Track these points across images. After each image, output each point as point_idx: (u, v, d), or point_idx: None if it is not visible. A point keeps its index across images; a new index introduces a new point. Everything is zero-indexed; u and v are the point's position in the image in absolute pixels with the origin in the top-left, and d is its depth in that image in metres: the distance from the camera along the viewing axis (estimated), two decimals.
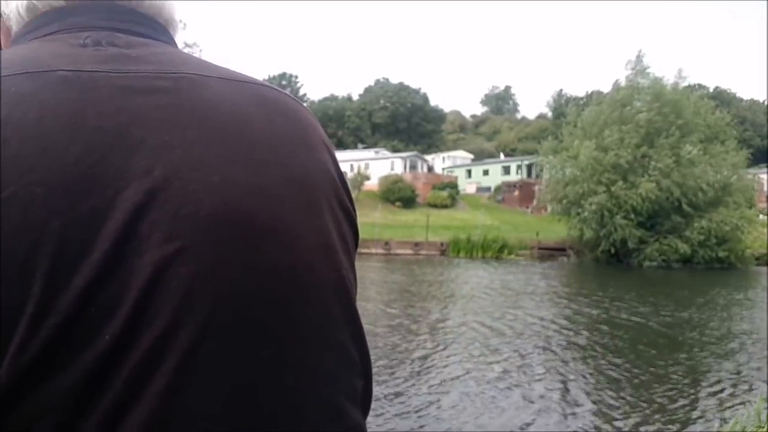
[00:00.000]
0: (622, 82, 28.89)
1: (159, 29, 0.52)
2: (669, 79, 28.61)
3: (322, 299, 0.47)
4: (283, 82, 79.56)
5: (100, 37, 0.47)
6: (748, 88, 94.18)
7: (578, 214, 25.75)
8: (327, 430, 0.45)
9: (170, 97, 0.45)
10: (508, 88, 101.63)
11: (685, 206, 24.81)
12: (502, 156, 59.47)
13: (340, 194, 0.52)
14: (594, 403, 6.15)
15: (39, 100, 0.41)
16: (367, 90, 77.03)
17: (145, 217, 0.41)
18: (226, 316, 0.42)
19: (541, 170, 38.72)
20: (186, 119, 0.45)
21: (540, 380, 6.91)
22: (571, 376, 7.08)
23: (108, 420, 0.37)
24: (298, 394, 0.44)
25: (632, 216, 24.59)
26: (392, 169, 46.89)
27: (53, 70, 0.42)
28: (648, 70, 28.26)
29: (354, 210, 0.55)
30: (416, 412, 5.71)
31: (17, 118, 0.39)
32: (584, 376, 7.13)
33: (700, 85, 55.40)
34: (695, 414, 5.92)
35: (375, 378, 5.57)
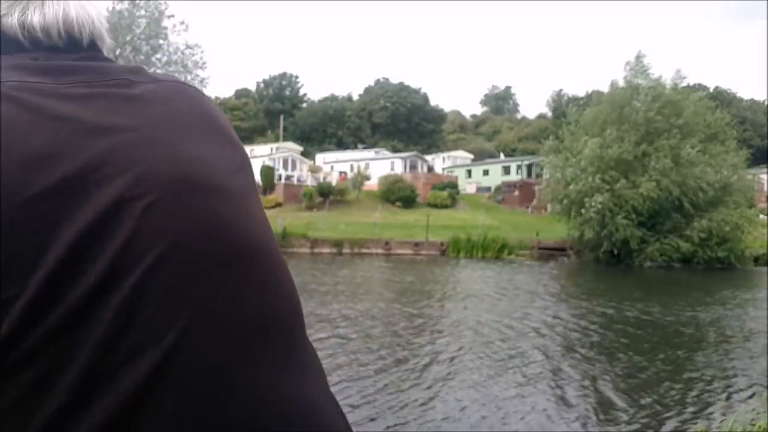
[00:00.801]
0: (621, 83, 28.88)
1: (87, 46, 0.59)
2: (667, 79, 28.63)
3: (256, 236, 0.56)
4: (284, 82, 79.55)
5: (40, 56, 0.55)
6: (748, 88, 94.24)
7: (579, 214, 25.72)
8: (256, 342, 0.51)
9: (108, 99, 0.53)
10: (508, 88, 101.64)
11: (686, 205, 24.83)
12: (502, 156, 59.44)
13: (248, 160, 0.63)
14: (594, 402, 6.16)
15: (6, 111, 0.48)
16: (367, 90, 77.04)
17: (112, 181, 0.48)
18: (185, 250, 0.49)
19: (541, 170, 38.72)
20: (126, 111, 0.53)
21: (540, 380, 6.91)
22: (572, 376, 7.09)
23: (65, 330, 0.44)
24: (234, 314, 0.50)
25: (633, 216, 24.59)
26: (392, 169, 46.89)
27: (2, 82, 0.50)
28: (648, 71, 28.28)
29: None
30: (416, 411, 5.71)
31: None
32: (585, 376, 7.13)
33: (700, 85, 55.40)
34: (696, 412, 5.93)
35: (375, 377, 5.58)
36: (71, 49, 0.57)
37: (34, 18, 0.55)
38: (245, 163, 0.61)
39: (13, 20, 0.55)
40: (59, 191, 0.46)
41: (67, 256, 0.45)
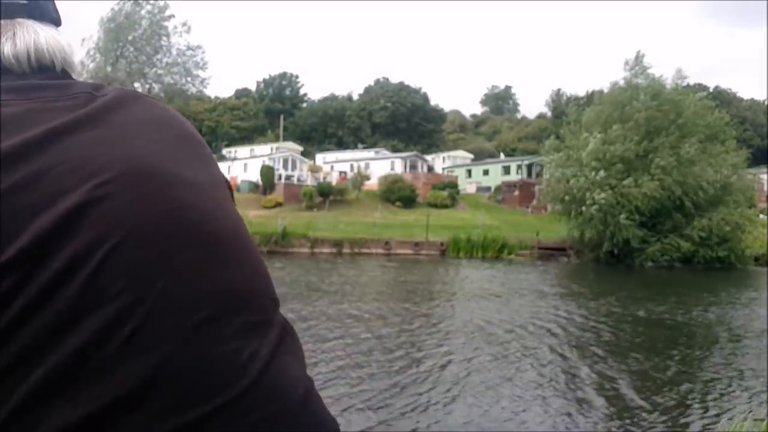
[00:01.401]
0: (621, 83, 28.89)
1: (59, 72, 0.64)
2: (668, 79, 28.66)
3: (220, 219, 0.58)
4: (284, 82, 79.57)
5: (8, 77, 0.59)
6: (748, 88, 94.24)
7: (580, 213, 25.72)
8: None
9: (70, 110, 0.57)
10: (508, 88, 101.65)
11: (686, 204, 24.85)
12: (502, 156, 59.47)
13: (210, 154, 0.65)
14: (603, 401, 6.16)
15: None
16: (367, 90, 77.07)
17: (71, 176, 0.51)
18: (144, 234, 0.52)
19: (541, 169, 38.69)
20: (85, 118, 0.56)
21: (546, 380, 6.91)
22: (578, 375, 7.09)
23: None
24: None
25: (635, 216, 24.58)
26: (392, 169, 46.90)
27: None
28: (648, 71, 28.30)
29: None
30: (417, 410, 5.72)
31: None
32: (592, 376, 7.13)
33: (700, 85, 55.43)
34: (696, 413, 5.93)
35: (376, 377, 5.56)
36: (40, 73, 0.61)
37: (6, 48, 0.59)
38: (207, 160, 0.63)
39: None
40: (20, 188, 0.49)
41: (22, 256, 0.47)
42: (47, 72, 0.62)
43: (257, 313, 0.55)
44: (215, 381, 0.49)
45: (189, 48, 30.25)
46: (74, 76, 0.67)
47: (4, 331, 0.45)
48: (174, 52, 30.18)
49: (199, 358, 0.49)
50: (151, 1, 29.28)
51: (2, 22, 0.61)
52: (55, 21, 0.68)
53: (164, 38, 29.55)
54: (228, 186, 0.67)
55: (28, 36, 0.61)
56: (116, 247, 0.50)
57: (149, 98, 0.66)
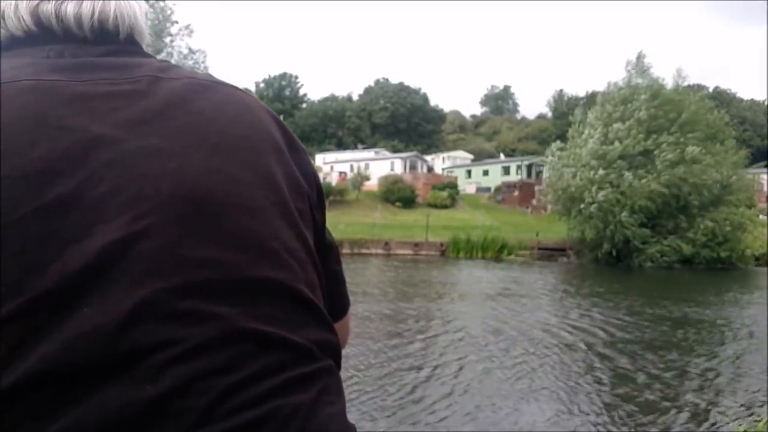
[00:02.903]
0: (619, 83, 28.94)
1: (123, 40, 0.58)
2: (667, 79, 28.73)
3: (288, 253, 0.53)
4: (283, 82, 79.57)
5: (64, 49, 0.53)
6: (748, 88, 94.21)
7: (579, 212, 25.73)
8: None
9: (126, 99, 0.51)
10: (507, 88, 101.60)
11: (688, 204, 24.86)
12: (502, 156, 59.45)
13: (289, 166, 0.58)
14: (594, 402, 6.15)
15: (5, 105, 0.47)
16: (367, 90, 77.06)
17: (109, 201, 0.46)
18: (190, 279, 0.48)
19: (541, 168, 38.68)
20: (141, 117, 0.51)
21: (541, 380, 6.90)
22: (572, 376, 7.07)
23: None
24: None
25: (637, 215, 24.55)
26: (392, 169, 46.88)
27: (16, 80, 0.49)
28: (649, 71, 28.34)
29: (304, 179, 0.60)
30: (417, 410, 5.70)
31: None
32: (585, 375, 7.12)
33: (700, 85, 55.43)
34: (696, 414, 5.91)
35: (376, 377, 5.55)
36: (101, 41, 0.56)
37: (69, 8, 0.54)
38: (285, 172, 0.57)
39: (48, 7, 0.54)
40: (52, 212, 0.45)
41: (57, 288, 0.44)
42: (109, 41, 0.57)
43: (301, 363, 0.52)
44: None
45: (191, 51, 30.28)
46: (143, 46, 0.61)
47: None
48: (176, 55, 30.22)
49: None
50: (152, 2, 29.28)
51: None
52: None
53: (166, 39, 29.56)
54: (317, 192, 0.62)
55: None
56: (149, 299, 0.46)
57: (226, 88, 0.60)
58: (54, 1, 0.54)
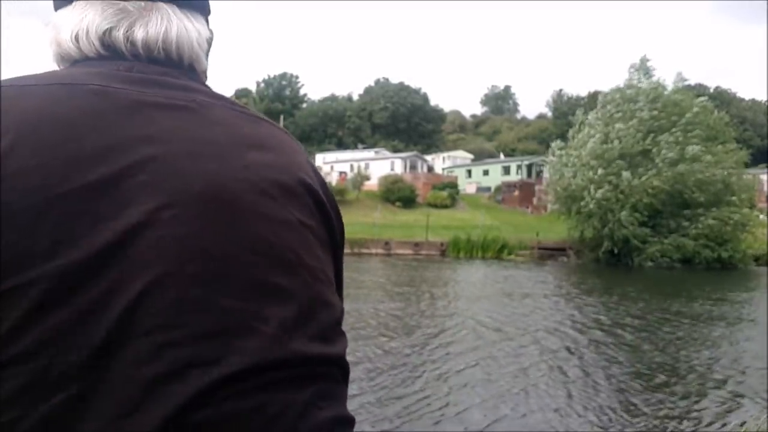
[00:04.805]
0: (621, 85, 29.00)
1: (186, 68, 0.65)
2: (668, 81, 28.83)
3: (283, 264, 0.57)
4: (284, 82, 79.56)
5: (133, 65, 0.60)
6: (749, 88, 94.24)
7: (579, 211, 25.74)
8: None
9: (179, 113, 0.58)
10: (508, 88, 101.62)
11: (688, 202, 24.87)
12: (502, 156, 59.46)
13: (317, 197, 0.64)
14: (594, 402, 6.14)
15: (70, 102, 0.54)
16: (368, 90, 77.05)
17: (143, 190, 0.52)
18: (204, 268, 0.52)
19: (541, 168, 38.68)
20: (188, 127, 0.57)
21: (541, 380, 6.89)
22: (572, 375, 7.07)
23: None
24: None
25: (637, 214, 24.55)
26: (392, 169, 46.87)
27: (85, 84, 0.56)
28: (651, 73, 28.39)
29: (331, 210, 0.67)
30: (418, 409, 5.70)
31: (51, 111, 0.53)
32: (586, 375, 7.11)
33: (700, 86, 55.42)
34: (695, 414, 5.91)
35: (377, 380, 5.53)
36: (164, 63, 0.63)
37: (138, 34, 0.61)
38: (311, 197, 0.62)
39: (119, 33, 0.61)
40: (92, 192, 0.50)
41: (84, 261, 0.49)
42: (171, 64, 0.63)
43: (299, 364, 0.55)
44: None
45: None
46: (201, 71, 0.68)
47: (44, 336, 0.47)
48: None
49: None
50: None
51: (144, 4, 0.62)
52: (202, 8, 0.69)
53: None
54: (340, 228, 0.68)
55: (161, 24, 0.63)
56: (161, 280, 0.50)
57: (272, 125, 0.67)
58: (124, 29, 0.61)
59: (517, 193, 42.52)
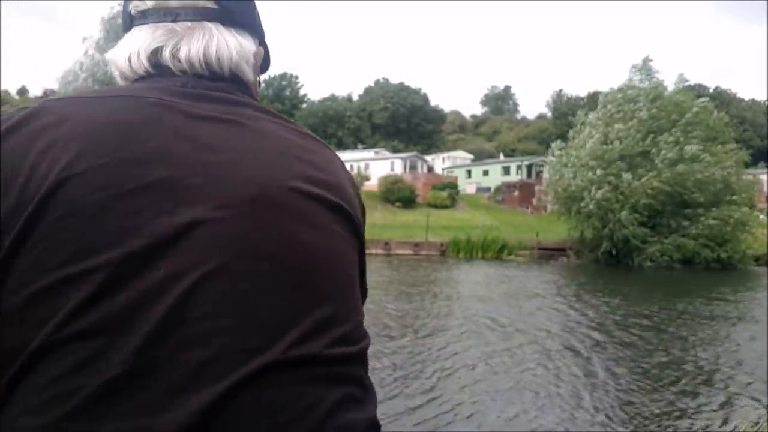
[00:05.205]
0: (623, 86, 28.96)
1: (228, 78, 0.71)
2: (668, 82, 28.87)
3: (325, 265, 0.63)
4: (284, 83, 79.52)
5: (190, 82, 0.67)
6: (749, 88, 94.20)
7: (579, 211, 25.71)
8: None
9: (229, 125, 0.64)
10: (507, 88, 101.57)
11: (690, 203, 24.84)
12: (502, 156, 59.43)
13: (353, 207, 0.70)
14: (594, 402, 6.13)
15: (132, 112, 0.60)
16: (368, 90, 77.00)
17: (198, 191, 0.58)
18: (250, 266, 0.57)
19: (541, 168, 38.64)
20: (237, 138, 0.63)
21: (541, 379, 6.88)
22: (572, 375, 7.06)
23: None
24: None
25: (637, 214, 24.52)
26: (392, 169, 46.83)
27: (145, 97, 0.63)
28: (653, 73, 28.37)
29: (360, 218, 0.72)
30: (419, 409, 5.68)
31: (116, 118, 0.59)
32: (586, 375, 7.10)
33: (700, 86, 55.38)
34: (695, 414, 5.90)
35: (387, 379, 5.50)
36: (214, 78, 0.69)
37: (181, 53, 0.68)
38: (347, 210, 0.68)
39: (166, 53, 0.68)
40: (152, 189, 0.56)
41: (142, 251, 0.54)
42: (219, 78, 0.69)
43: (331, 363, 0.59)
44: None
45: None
46: (247, 82, 0.74)
47: (100, 323, 0.52)
48: None
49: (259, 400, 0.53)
50: None
51: (190, 24, 0.69)
52: (248, 25, 0.75)
53: None
54: (362, 237, 0.72)
55: (201, 41, 0.68)
56: (212, 273, 0.55)
57: (315, 139, 0.73)
58: (171, 47, 0.68)
59: (517, 193, 42.49)
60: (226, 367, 0.52)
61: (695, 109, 26.35)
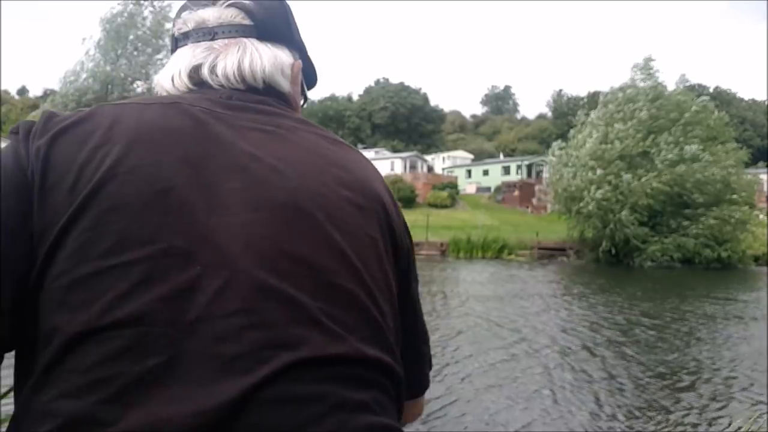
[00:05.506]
0: (623, 85, 28.96)
1: (278, 98, 0.76)
2: (668, 81, 28.86)
3: (357, 278, 0.64)
4: None
5: (232, 94, 0.71)
6: (749, 88, 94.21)
7: (579, 211, 25.72)
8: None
9: (268, 135, 0.68)
10: (507, 88, 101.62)
11: (690, 202, 24.84)
12: (502, 156, 59.45)
13: (387, 214, 0.71)
14: (594, 402, 6.14)
15: (178, 117, 0.64)
16: (368, 90, 77.03)
17: (235, 194, 0.61)
18: (283, 265, 0.60)
19: (541, 168, 38.66)
20: (274, 148, 0.66)
21: (541, 379, 6.89)
22: (572, 375, 7.07)
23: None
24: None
25: (638, 213, 24.52)
26: (392, 169, 46.86)
27: (193, 105, 0.66)
28: (655, 72, 28.38)
29: (397, 228, 0.73)
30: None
31: (162, 123, 0.63)
32: (586, 375, 7.11)
33: (700, 86, 55.39)
34: (696, 415, 5.91)
35: None
36: (250, 89, 0.73)
37: (218, 68, 0.72)
38: (384, 222, 0.70)
39: (205, 69, 0.72)
40: (192, 189, 0.59)
41: (182, 247, 0.57)
42: (258, 91, 0.74)
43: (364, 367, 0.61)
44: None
45: None
46: (284, 93, 0.77)
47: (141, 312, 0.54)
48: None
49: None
50: (154, 2, 29.26)
51: (227, 41, 0.73)
52: (284, 39, 0.79)
53: (166, 39, 29.50)
54: (408, 251, 0.75)
55: (236, 55, 0.73)
56: (246, 271, 0.58)
57: (351, 149, 0.75)
58: (209, 63, 0.72)
59: (517, 193, 42.51)
60: (256, 362, 0.54)
61: (695, 108, 26.35)
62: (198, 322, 0.54)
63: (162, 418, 0.51)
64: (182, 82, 0.72)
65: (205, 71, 0.72)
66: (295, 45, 0.82)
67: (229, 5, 0.75)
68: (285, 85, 0.77)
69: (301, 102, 0.87)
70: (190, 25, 0.75)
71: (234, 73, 0.72)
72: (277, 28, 0.77)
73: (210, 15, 0.74)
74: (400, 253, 0.73)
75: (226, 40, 0.73)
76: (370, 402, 0.60)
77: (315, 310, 0.59)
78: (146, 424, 0.50)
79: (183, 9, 0.78)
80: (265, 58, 0.74)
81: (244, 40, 0.74)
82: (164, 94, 0.74)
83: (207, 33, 0.74)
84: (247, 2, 0.75)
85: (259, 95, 0.73)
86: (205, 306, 0.55)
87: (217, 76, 0.72)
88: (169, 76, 0.74)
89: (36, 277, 0.56)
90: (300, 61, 0.83)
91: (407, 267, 0.76)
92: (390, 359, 0.64)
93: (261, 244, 0.59)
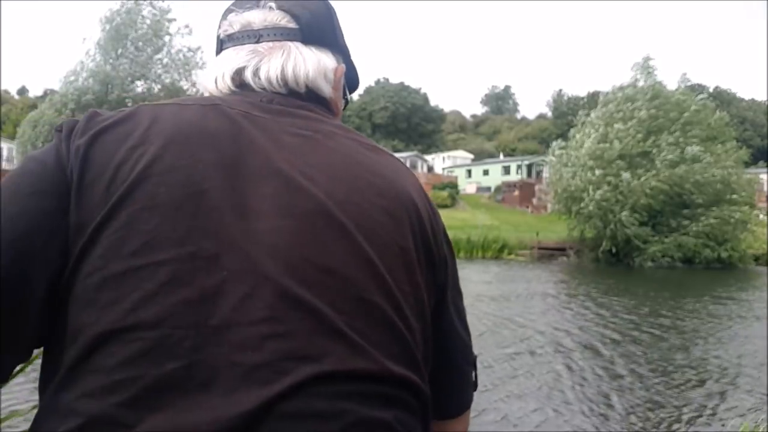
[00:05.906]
0: (623, 84, 28.96)
1: (319, 103, 0.76)
2: (667, 81, 28.85)
3: (384, 288, 0.62)
4: None
5: (273, 98, 0.71)
6: (749, 88, 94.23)
7: (579, 212, 25.72)
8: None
9: (305, 140, 0.67)
10: (508, 88, 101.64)
11: (690, 202, 24.84)
12: (502, 156, 59.46)
13: (422, 224, 0.69)
14: (594, 402, 6.14)
15: (215, 120, 0.64)
16: (368, 90, 77.00)
17: (265, 200, 0.60)
18: (308, 275, 0.58)
19: (541, 169, 38.66)
20: (310, 153, 0.65)
21: (541, 379, 6.89)
22: (572, 375, 7.06)
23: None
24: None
25: (637, 214, 24.52)
26: None
27: (232, 108, 0.66)
28: (654, 72, 28.37)
29: (434, 237, 0.71)
30: None
31: (200, 124, 0.63)
32: (586, 376, 7.11)
33: (700, 86, 55.39)
34: (696, 415, 5.91)
35: None
36: (292, 94, 0.73)
37: (261, 71, 0.72)
38: (419, 233, 0.68)
39: (248, 72, 0.72)
40: (224, 194, 0.59)
41: (210, 251, 0.56)
42: (299, 96, 0.74)
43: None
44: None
45: (189, 50, 30.19)
46: (325, 98, 0.77)
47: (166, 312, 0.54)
48: (174, 51, 30.11)
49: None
50: (154, 2, 29.23)
51: (272, 44, 0.73)
52: (329, 43, 0.78)
53: (165, 38, 29.44)
54: (446, 260, 0.74)
55: (280, 59, 0.73)
56: (271, 279, 0.56)
57: (388, 155, 0.75)
58: (252, 66, 0.72)
59: (517, 193, 42.53)
60: (277, 373, 0.53)
61: (694, 108, 26.34)
62: (221, 328, 0.53)
63: (180, 424, 0.50)
64: (225, 84, 0.73)
65: (248, 74, 0.72)
66: (339, 49, 0.80)
67: (275, 8, 0.75)
68: (327, 90, 0.77)
69: (342, 106, 0.86)
70: (236, 27, 0.75)
71: (277, 77, 0.72)
72: (321, 31, 0.77)
73: (255, 18, 0.74)
74: (436, 264, 0.71)
75: (270, 44, 0.73)
76: (391, 421, 0.58)
77: (339, 323, 0.57)
78: (164, 431, 0.50)
79: (228, 11, 0.77)
80: (308, 63, 0.74)
81: (289, 43, 0.74)
82: (206, 95, 0.74)
83: (252, 35, 0.73)
84: (293, 4, 0.75)
85: (300, 100, 0.73)
86: (229, 312, 0.54)
87: (259, 79, 0.72)
88: (213, 77, 0.74)
89: (69, 275, 0.56)
90: (343, 66, 0.81)
91: (444, 280, 0.74)
92: (416, 377, 0.62)
93: (288, 252, 0.58)
